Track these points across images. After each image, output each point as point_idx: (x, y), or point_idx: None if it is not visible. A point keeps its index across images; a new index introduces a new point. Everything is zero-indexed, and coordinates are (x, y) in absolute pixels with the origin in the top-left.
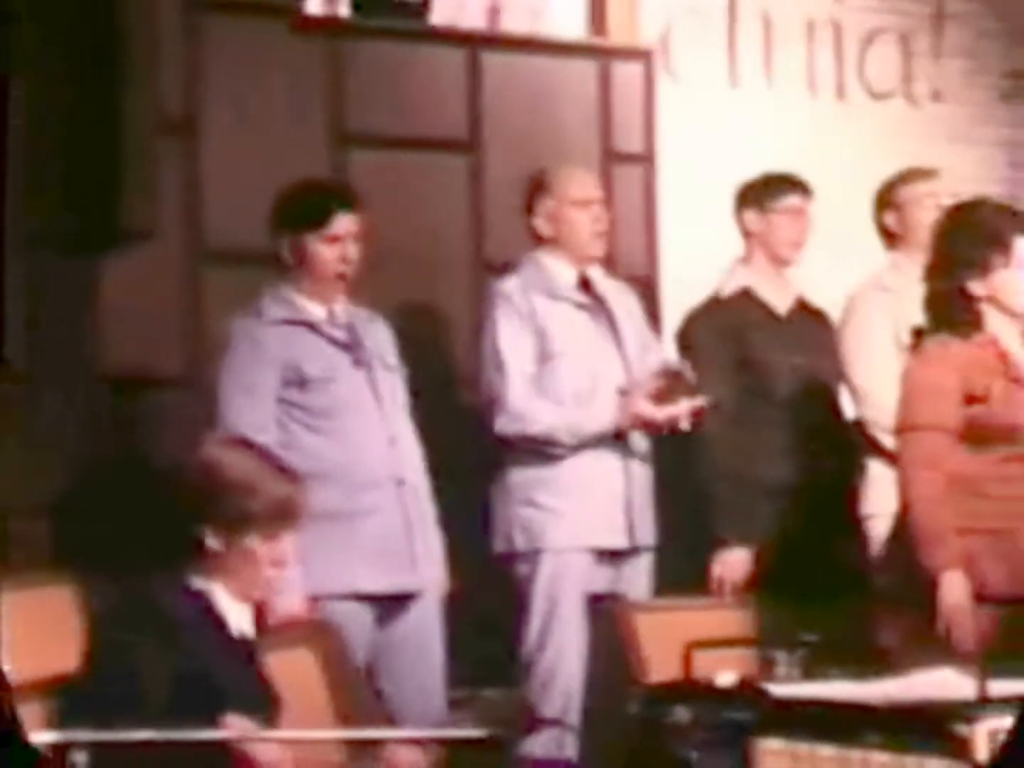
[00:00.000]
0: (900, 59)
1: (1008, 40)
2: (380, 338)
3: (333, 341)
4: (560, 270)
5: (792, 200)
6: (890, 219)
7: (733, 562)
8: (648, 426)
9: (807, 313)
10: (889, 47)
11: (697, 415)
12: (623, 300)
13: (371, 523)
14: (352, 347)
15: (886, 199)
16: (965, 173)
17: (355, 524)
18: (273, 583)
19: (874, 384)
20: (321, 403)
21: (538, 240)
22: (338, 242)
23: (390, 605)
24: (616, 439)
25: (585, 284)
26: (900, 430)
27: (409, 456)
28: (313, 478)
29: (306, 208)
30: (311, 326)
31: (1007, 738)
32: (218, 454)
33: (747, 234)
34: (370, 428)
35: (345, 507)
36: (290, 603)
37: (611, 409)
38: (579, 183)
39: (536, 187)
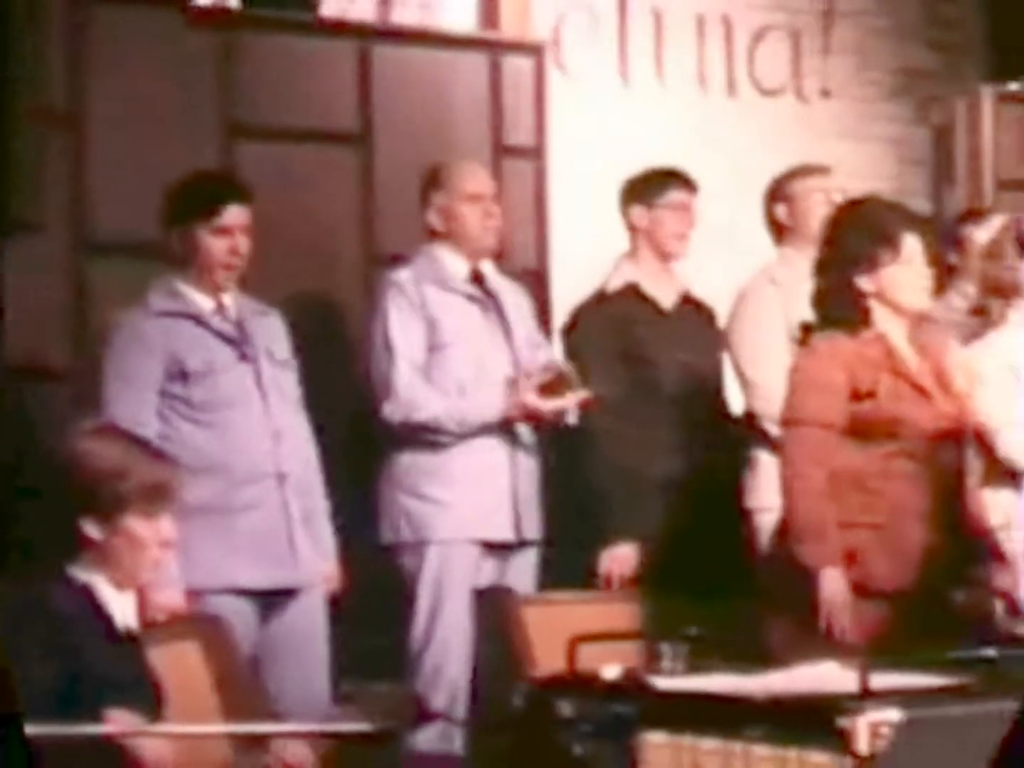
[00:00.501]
0: (790, 56)
1: (896, 37)
2: (271, 332)
3: (219, 335)
4: (452, 263)
5: (677, 195)
6: (781, 211)
7: (621, 557)
8: (534, 418)
9: (693, 307)
10: (779, 44)
11: (584, 407)
12: (514, 297)
13: (250, 518)
14: (238, 341)
15: (778, 192)
16: (854, 169)
17: (234, 519)
18: (159, 565)
19: (764, 377)
20: (203, 396)
21: (431, 234)
22: (228, 234)
23: (271, 601)
24: (503, 432)
25: (477, 278)
26: (785, 424)
27: (295, 451)
28: (193, 471)
29: (196, 199)
30: (197, 319)
31: (1008, 734)
32: (87, 443)
33: (632, 229)
34: (253, 422)
35: (225, 501)
36: (168, 596)
37: (498, 400)
38: (471, 177)
39: (429, 181)
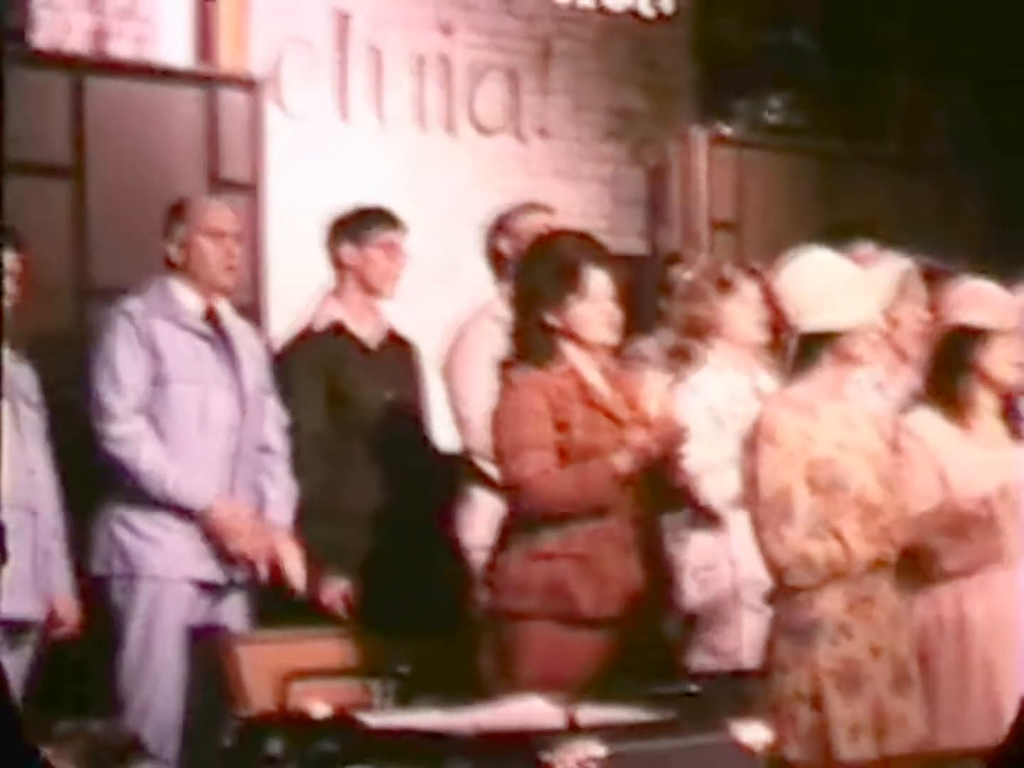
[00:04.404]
0: (508, 95)
1: (611, 79)
2: (24, 379)
3: None
4: (186, 298)
5: (388, 234)
6: (504, 245)
7: (335, 593)
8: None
9: (397, 345)
10: (497, 83)
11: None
12: (247, 339)
13: None
14: None
15: (501, 226)
16: (572, 208)
17: None
18: None
19: (478, 414)
20: None
21: (168, 266)
22: None
23: (12, 631)
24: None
25: (211, 316)
26: (502, 457)
27: (46, 489)
28: None
29: None
30: None
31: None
32: None
33: (341, 267)
34: (11, 456)
35: None
36: None
37: (207, 492)
38: (215, 213)
39: (173, 213)
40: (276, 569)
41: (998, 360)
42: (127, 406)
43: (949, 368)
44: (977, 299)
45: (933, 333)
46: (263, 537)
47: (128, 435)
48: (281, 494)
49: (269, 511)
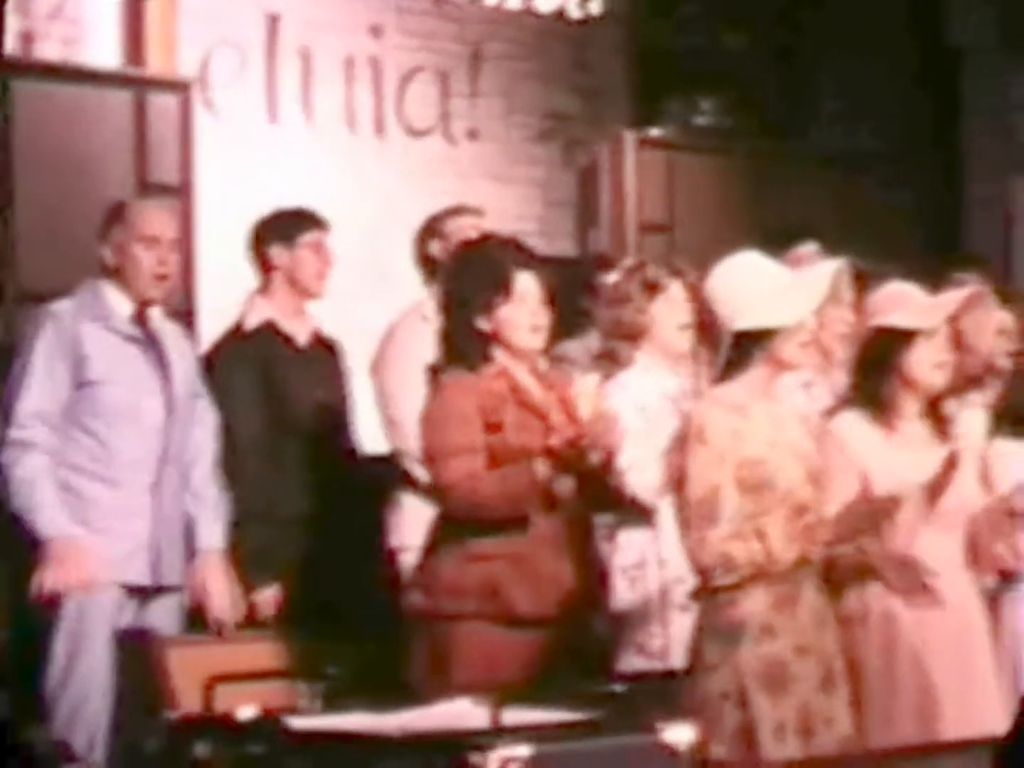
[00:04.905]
0: (438, 97)
1: (542, 82)
2: None
3: None
4: (116, 301)
5: (315, 234)
6: (435, 247)
7: (263, 596)
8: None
9: (322, 346)
10: (427, 85)
11: None
12: (177, 341)
13: None
14: None
15: (432, 229)
16: (503, 211)
17: None
18: None
19: (407, 415)
20: None
21: (103, 269)
22: None
23: None
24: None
25: (141, 319)
26: (431, 461)
27: None
28: None
29: None
30: None
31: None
32: None
33: (268, 268)
34: None
35: None
36: None
37: (58, 525)
38: (151, 219)
39: (111, 216)
40: (202, 596)
41: (921, 362)
42: (30, 412)
43: (873, 371)
44: (899, 301)
45: (857, 335)
46: (78, 572)
47: (15, 440)
48: (211, 515)
49: (199, 535)
